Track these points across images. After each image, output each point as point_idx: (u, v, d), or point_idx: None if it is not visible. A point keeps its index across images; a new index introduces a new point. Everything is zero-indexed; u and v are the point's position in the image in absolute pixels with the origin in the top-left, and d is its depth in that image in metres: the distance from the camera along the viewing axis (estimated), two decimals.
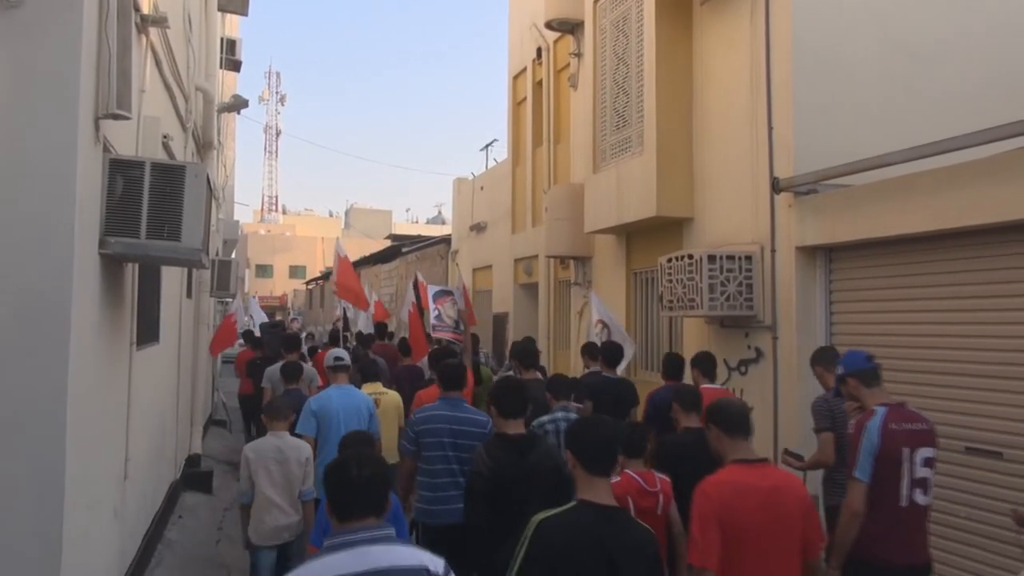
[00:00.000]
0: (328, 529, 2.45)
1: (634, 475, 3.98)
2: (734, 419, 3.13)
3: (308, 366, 8.11)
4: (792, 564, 2.95)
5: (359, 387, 6.08)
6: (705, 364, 5.78)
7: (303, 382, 6.95)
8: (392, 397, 6.33)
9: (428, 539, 4.41)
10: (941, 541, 4.81)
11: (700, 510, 2.96)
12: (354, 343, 11.04)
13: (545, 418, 4.88)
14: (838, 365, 4.23)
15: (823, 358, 5.06)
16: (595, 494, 2.62)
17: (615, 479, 3.77)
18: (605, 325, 8.33)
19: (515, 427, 3.82)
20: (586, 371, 6.65)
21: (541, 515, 2.61)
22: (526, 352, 6.21)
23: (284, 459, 4.83)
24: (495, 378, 6.70)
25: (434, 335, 9.91)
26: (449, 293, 10.57)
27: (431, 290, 10.55)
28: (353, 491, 2.27)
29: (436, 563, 2.24)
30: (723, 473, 3.06)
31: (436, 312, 10.17)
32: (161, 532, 6.44)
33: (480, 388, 6.92)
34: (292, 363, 7.10)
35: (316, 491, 4.85)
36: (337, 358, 5.90)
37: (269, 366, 8.13)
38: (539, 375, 6.37)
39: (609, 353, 6.45)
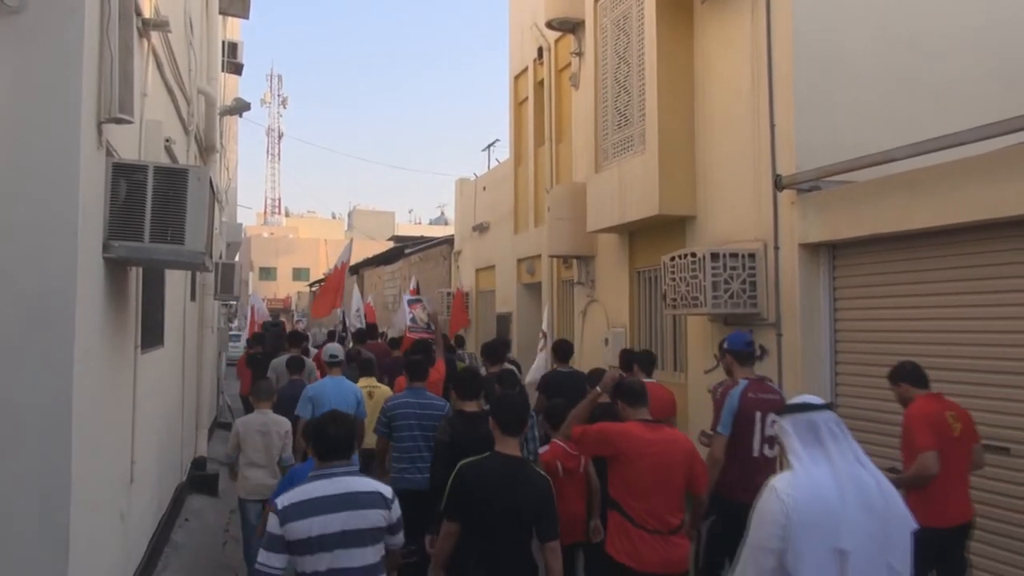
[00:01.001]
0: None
1: (560, 443, 4.80)
2: (634, 394, 4.06)
3: (309, 360, 8.89)
4: (677, 493, 3.86)
5: (356, 380, 6.92)
6: (644, 361, 6.28)
7: (304, 374, 7.78)
8: (384, 391, 6.93)
9: (399, 499, 4.81)
10: None
11: (599, 428, 3.94)
12: (351, 343, 11.48)
13: None
14: (724, 341, 5.10)
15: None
16: (505, 447, 3.51)
17: (544, 448, 4.87)
18: (544, 334, 9.98)
19: (471, 406, 4.75)
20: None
21: (464, 462, 3.49)
22: (493, 350, 7.20)
23: (267, 431, 5.76)
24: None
25: (408, 335, 11.78)
26: (419, 300, 13.24)
27: (405, 299, 13.32)
28: (330, 441, 3.09)
29: (387, 490, 3.13)
30: (624, 424, 3.95)
31: (411, 316, 12.69)
32: (167, 535, 6.45)
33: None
34: (296, 356, 7.99)
35: (293, 458, 5.73)
36: (332, 355, 6.85)
37: (271, 360, 8.96)
38: (509, 367, 7.34)
39: (558, 351, 7.29)
